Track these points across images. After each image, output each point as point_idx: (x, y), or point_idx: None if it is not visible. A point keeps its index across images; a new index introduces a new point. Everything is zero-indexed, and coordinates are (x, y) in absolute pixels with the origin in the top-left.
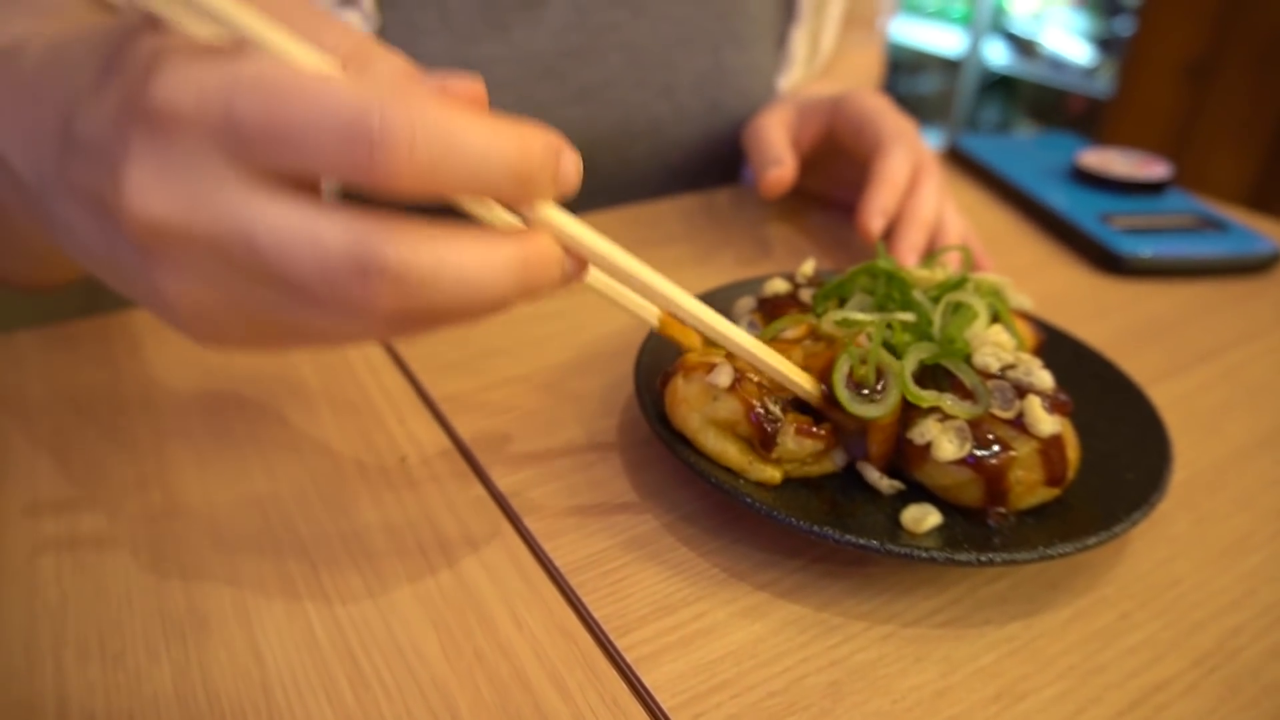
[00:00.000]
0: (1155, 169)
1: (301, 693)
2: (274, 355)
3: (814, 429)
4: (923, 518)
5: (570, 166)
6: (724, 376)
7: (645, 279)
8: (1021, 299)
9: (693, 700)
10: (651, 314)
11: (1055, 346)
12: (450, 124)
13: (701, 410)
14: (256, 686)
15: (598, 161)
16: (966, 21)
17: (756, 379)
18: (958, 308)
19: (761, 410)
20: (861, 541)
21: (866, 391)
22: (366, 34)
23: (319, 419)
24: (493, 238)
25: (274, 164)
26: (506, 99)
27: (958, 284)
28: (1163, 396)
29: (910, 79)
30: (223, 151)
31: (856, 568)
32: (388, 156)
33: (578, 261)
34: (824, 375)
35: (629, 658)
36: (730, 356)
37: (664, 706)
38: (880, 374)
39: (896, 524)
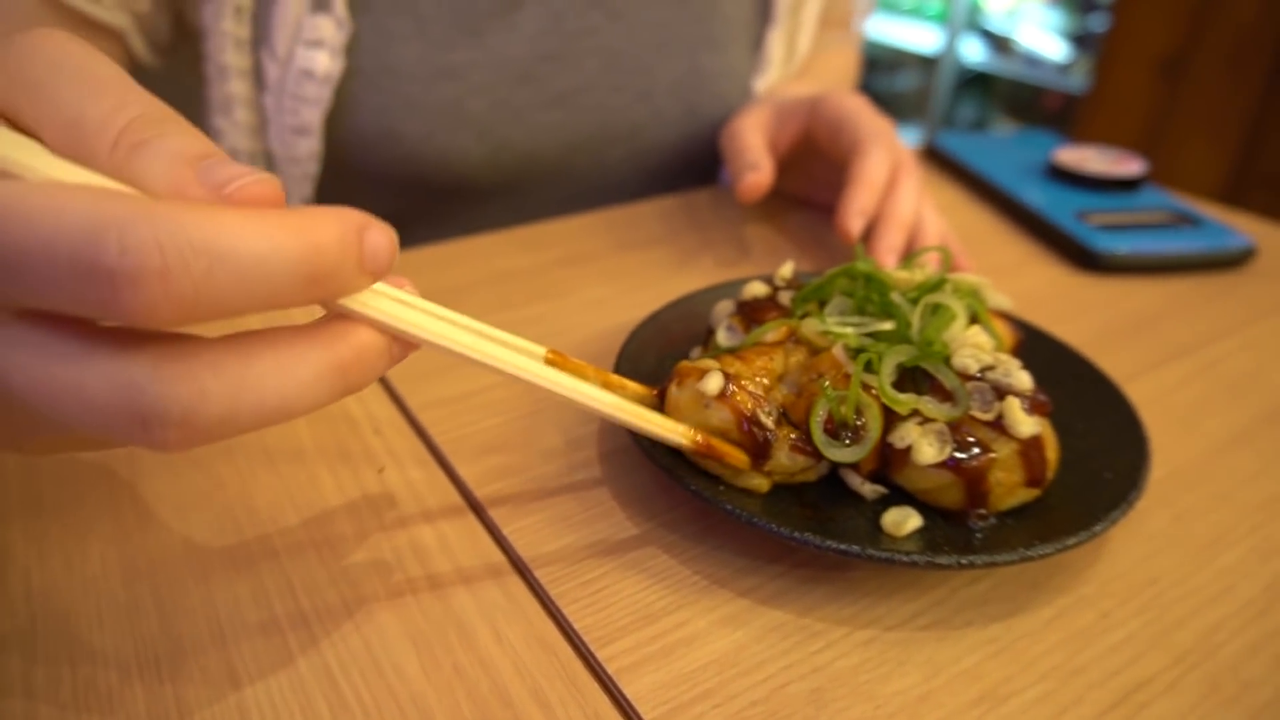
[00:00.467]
0: (1131, 166)
1: (279, 715)
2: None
3: (808, 445)
4: (903, 521)
5: (379, 244)
6: (713, 384)
7: (489, 348)
8: (1000, 299)
9: (675, 711)
10: (536, 355)
11: (1033, 345)
12: (214, 235)
13: (693, 417)
14: (232, 709)
15: (575, 166)
16: (942, 19)
17: (750, 388)
18: (936, 309)
19: (754, 421)
20: (842, 547)
21: (846, 435)
22: (151, 105)
23: (294, 430)
24: (298, 345)
25: (13, 301)
26: (482, 105)
27: (936, 285)
28: (1140, 393)
29: (887, 77)
30: None
31: (838, 572)
32: (135, 290)
33: (404, 345)
34: (803, 419)
35: (610, 669)
36: (723, 362)
37: (646, 718)
38: (859, 410)
39: (878, 528)
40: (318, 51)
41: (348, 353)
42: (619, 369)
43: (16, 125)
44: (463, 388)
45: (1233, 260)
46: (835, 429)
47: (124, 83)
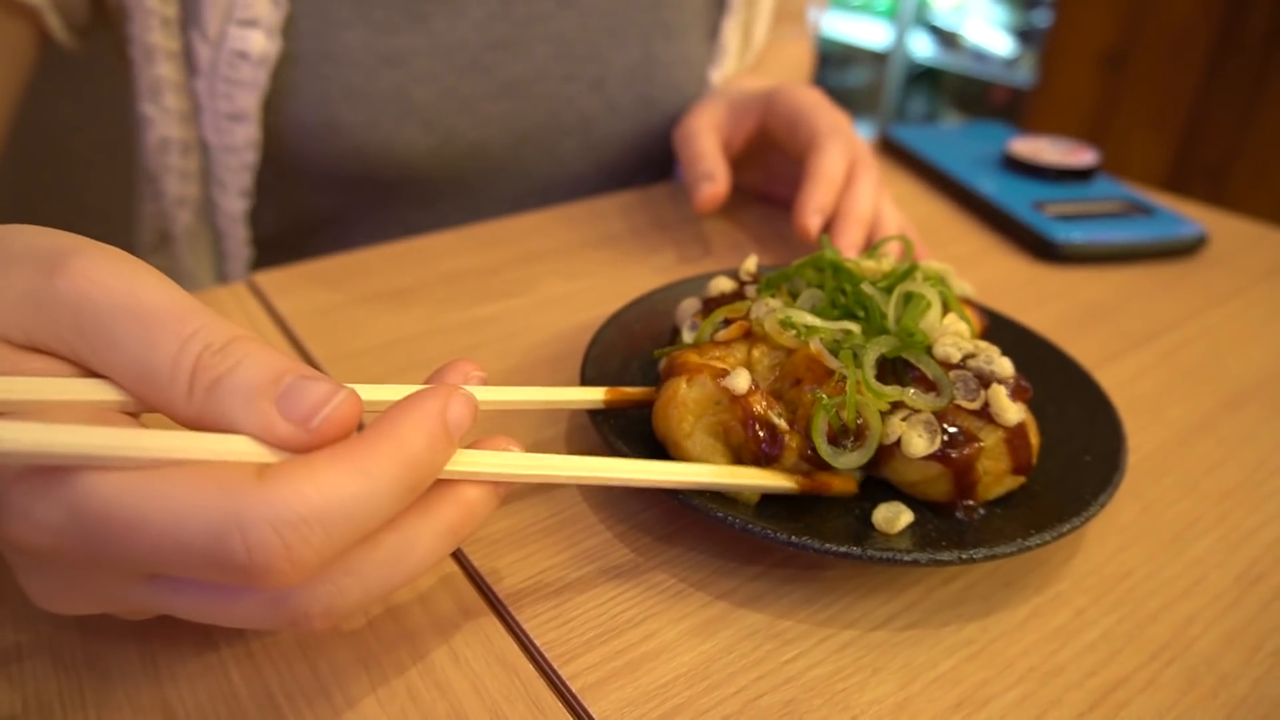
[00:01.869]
0: (1083, 156)
1: None
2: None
3: (813, 455)
4: (894, 517)
5: (461, 414)
6: (741, 382)
7: (587, 463)
8: (963, 285)
9: None
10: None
11: (998, 331)
12: (319, 500)
13: (700, 416)
14: None
15: (528, 160)
16: (891, 15)
17: (765, 388)
18: (909, 298)
19: (767, 426)
20: (843, 550)
21: (845, 440)
22: (210, 329)
23: None
24: (414, 523)
25: (159, 572)
26: (429, 94)
27: (907, 273)
28: (1103, 383)
29: (839, 72)
30: (106, 570)
31: (811, 574)
32: (267, 575)
33: (506, 485)
34: (804, 431)
35: (574, 687)
36: (687, 355)
37: None
38: (859, 412)
39: (866, 525)
40: (252, 31)
41: (457, 515)
42: (585, 375)
43: (90, 372)
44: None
45: (1186, 248)
46: (834, 435)
47: (177, 311)
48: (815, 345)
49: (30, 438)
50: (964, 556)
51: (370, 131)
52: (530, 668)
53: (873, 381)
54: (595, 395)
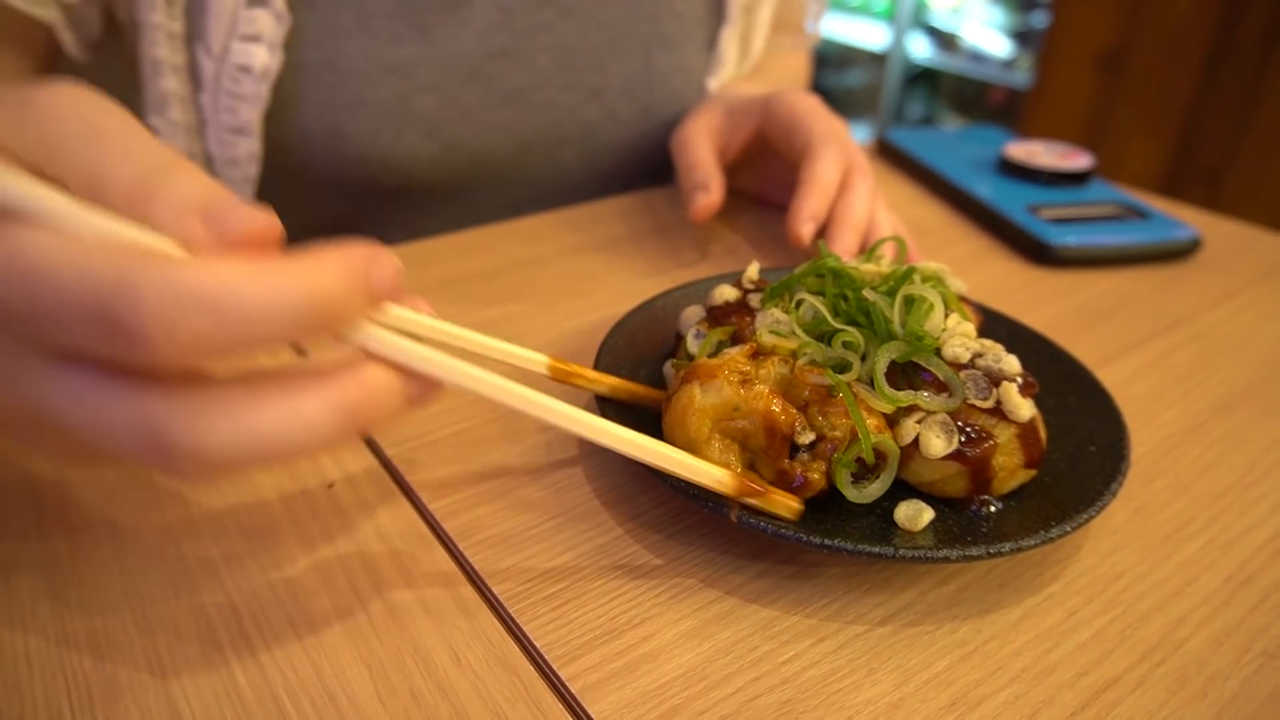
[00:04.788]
0: (1079, 160)
1: None
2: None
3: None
4: (917, 515)
5: (384, 274)
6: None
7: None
8: (958, 283)
9: None
10: (539, 364)
11: (991, 327)
12: (215, 289)
13: (717, 421)
14: None
15: (527, 167)
16: (889, 16)
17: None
18: (911, 301)
19: (788, 431)
20: (877, 550)
21: (866, 474)
22: (156, 154)
23: None
24: (307, 386)
25: (50, 343)
26: (431, 102)
27: (905, 276)
28: None
29: (836, 73)
30: (5, 332)
31: (806, 575)
32: (143, 341)
33: (425, 385)
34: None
35: (574, 688)
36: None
37: None
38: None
39: (889, 524)
40: (255, 46)
41: (356, 391)
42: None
43: (43, 179)
44: None
45: (1180, 252)
46: (857, 473)
47: (131, 134)
48: (803, 364)
49: None
50: (991, 551)
51: (372, 140)
52: (531, 669)
53: (887, 388)
54: (539, 359)
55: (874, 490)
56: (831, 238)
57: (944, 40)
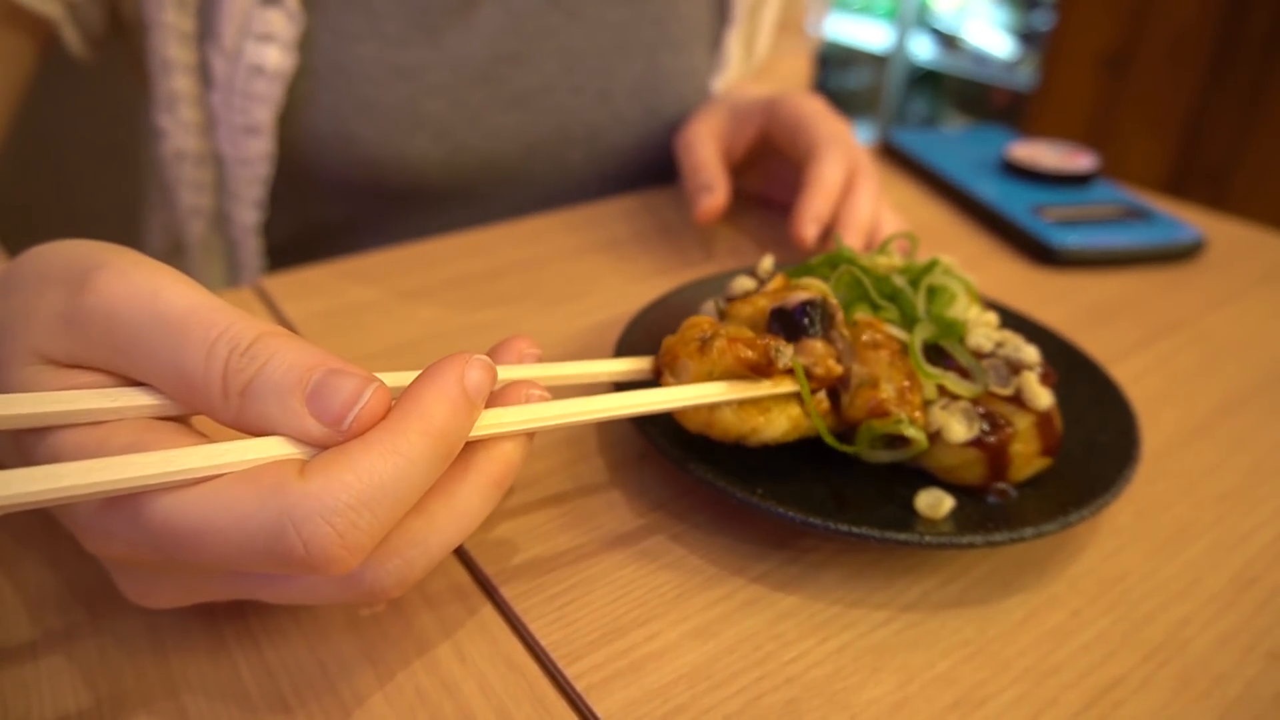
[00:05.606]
0: (1082, 160)
1: None
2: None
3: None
4: (937, 503)
5: (480, 382)
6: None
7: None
8: (966, 277)
9: None
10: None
11: (1001, 321)
12: (360, 488)
13: (696, 359)
14: None
15: (534, 169)
16: (892, 16)
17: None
18: (933, 290)
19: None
20: (903, 537)
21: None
22: (235, 330)
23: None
24: (463, 484)
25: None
26: (440, 105)
27: (930, 267)
28: None
29: (840, 74)
30: (186, 569)
31: (809, 576)
32: (327, 564)
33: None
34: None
35: (579, 687)
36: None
37: None
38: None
39: (910, 512)
40: (268, 46)
41: (497, 469)
42: (618, 382)
43: (132, 381)
44: None
45: (1184, 252)
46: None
47: (201, 314)
48: (865, 314)
49: (91, 478)
50: (1014, 536)
51: (382, 142)
52: (535, 667)
53: (924, 364)
54: (642, 365)
55: (883, 455)
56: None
57: (947, 41)
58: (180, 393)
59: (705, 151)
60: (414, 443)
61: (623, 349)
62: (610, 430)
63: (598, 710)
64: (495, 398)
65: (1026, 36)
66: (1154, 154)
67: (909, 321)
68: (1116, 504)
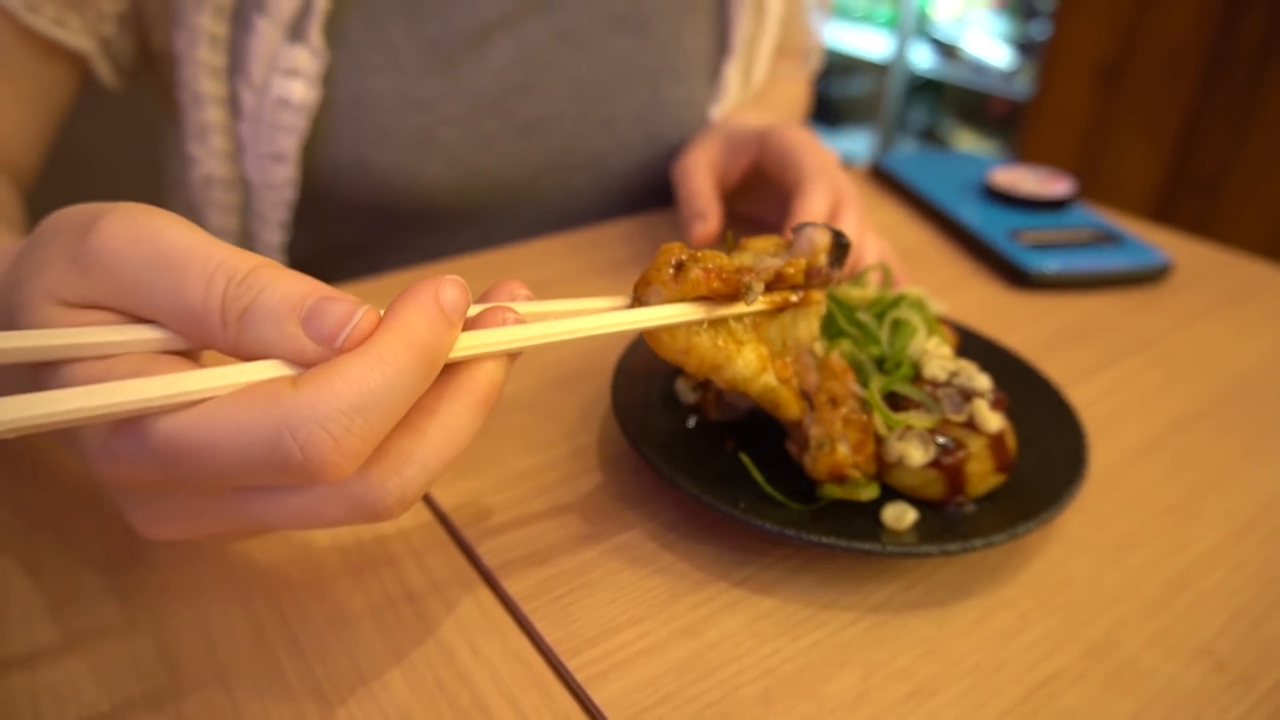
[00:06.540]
0: (1060, 186)
1: None
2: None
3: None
4: (902, 515)
5: (452, 298)
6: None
7: (580, 323)
8: (938, 305)
9: (639, 714)
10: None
11: (969, 345)
12: (350, 394)
13: (670, 286)
14: None
15: (542, 192)
16: (893, 25)
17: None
18: (897, 324)
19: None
20: (866, 547)
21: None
22: (230, 263)
23: None
24: (452, 404)
25: (230, 487)
26: (454, 134)
27: (895, 302)
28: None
29: (841, 81)
30: (190, 489)
31: (786, 581)
32: (324, 467)
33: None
34: (832, 474)
35: (579, 678)
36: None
37: None
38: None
39: (877, 524)
40: (294, 81)
41: (482, 388)
42: (615, 400)
43: (139, 318)
44: None
45: (1151, 275)
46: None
47: (199, 251)
48: (837, 355)
49: (95, 401)
50: (966, 546)
51: (398, 169)
52: (540, 661)
53: (888, 413)
54: (621, 300)
55: (869, 489)
56: None
57: (946, 50)
58: (182, 325)
59: (700, 180)
60: (399, 353)
61: (621, 373)
62: (608, 449)
63: (596, 699)
64: (474, 322)
65: (1024, 47)
66: (1148, 163)
67: (871, 350)
68: (1068, 515)
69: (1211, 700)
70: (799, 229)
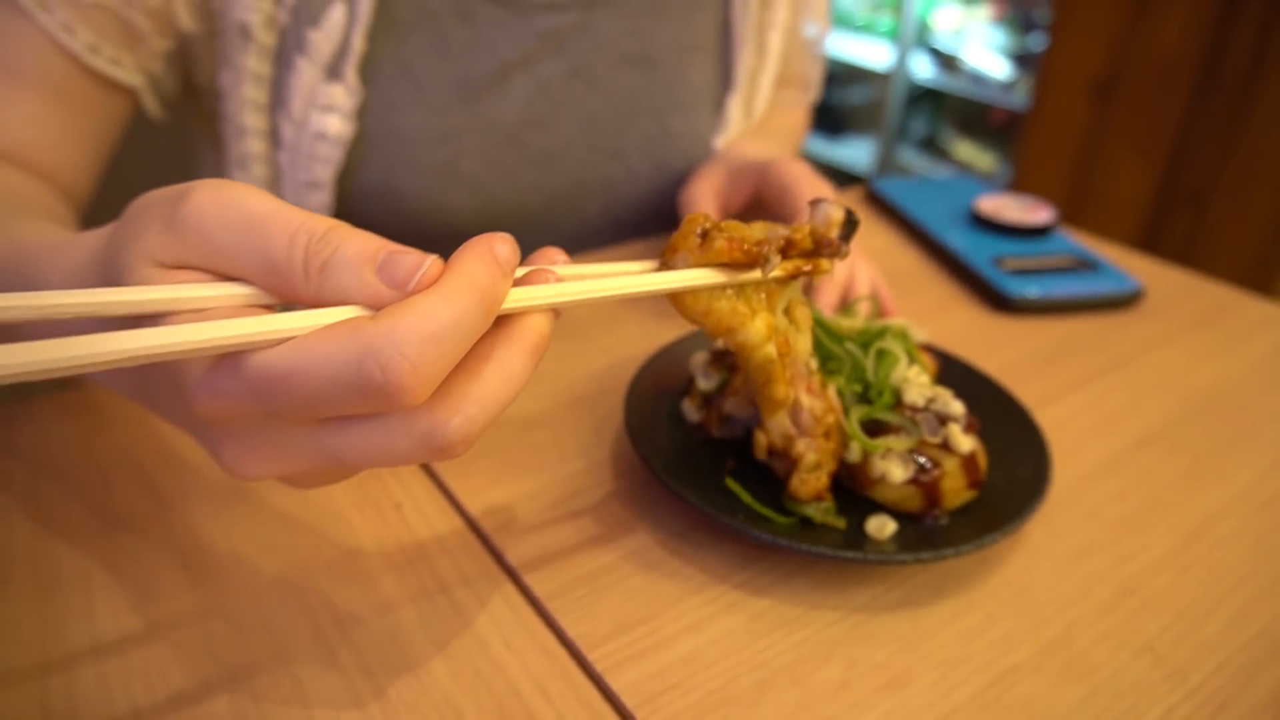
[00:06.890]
0: (1041, 214)
1: (335, 709)
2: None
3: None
4: (883, 526)
5: (505, 252)
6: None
7: (609, 284)
8: (920, 334)
9: (650, 699)
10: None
11: (949, 370)
12: (427, 325)
13: (695, 252)
14: (296, 705)
15: (555, 218)
16: (894, 36)
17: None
18: (881, 353)
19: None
20: (850, 555)
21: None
22: (310, 223)
23: None
24: (508, 349)
25: (315, 417)
26: (475, 165)
27: (880, 333)
28: (1039, 423)
29: (843, 90)
30: (282, 422)
31: (782, 584)
32: (403, 390)
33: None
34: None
35: (599, 668)
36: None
37: (627, 705)
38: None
39: (861, 534)
40: (331, 115)
41: (536, 338)
42: (628, 422)
43: (228, 278)
44: None
45: (1125, 301)
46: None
47: (281, 214)
48: (834, 390)
49: (200, 335)
50: (938, 554)
51: (424, 197)
52: (565, 653)
53: (866, 439)
54: (651, 264)
55: (815, 512)
56: (815, 296)
57: (946, 61)
58: (268, 280)
59: (704, 208)
60: (464, 292)
61: (632, 394)
62: (621, 463)
63: (614, 685)
64: (520, 282)
65: (1021, 59)
66: (1141, 176)
67: (856, 377)
68: (1031, 526)
69: (1149, 690)
70: (815, 203)
